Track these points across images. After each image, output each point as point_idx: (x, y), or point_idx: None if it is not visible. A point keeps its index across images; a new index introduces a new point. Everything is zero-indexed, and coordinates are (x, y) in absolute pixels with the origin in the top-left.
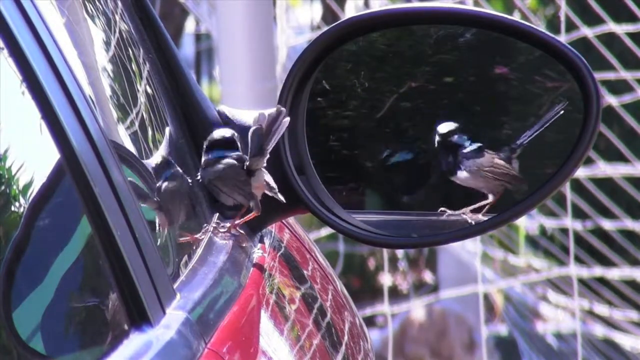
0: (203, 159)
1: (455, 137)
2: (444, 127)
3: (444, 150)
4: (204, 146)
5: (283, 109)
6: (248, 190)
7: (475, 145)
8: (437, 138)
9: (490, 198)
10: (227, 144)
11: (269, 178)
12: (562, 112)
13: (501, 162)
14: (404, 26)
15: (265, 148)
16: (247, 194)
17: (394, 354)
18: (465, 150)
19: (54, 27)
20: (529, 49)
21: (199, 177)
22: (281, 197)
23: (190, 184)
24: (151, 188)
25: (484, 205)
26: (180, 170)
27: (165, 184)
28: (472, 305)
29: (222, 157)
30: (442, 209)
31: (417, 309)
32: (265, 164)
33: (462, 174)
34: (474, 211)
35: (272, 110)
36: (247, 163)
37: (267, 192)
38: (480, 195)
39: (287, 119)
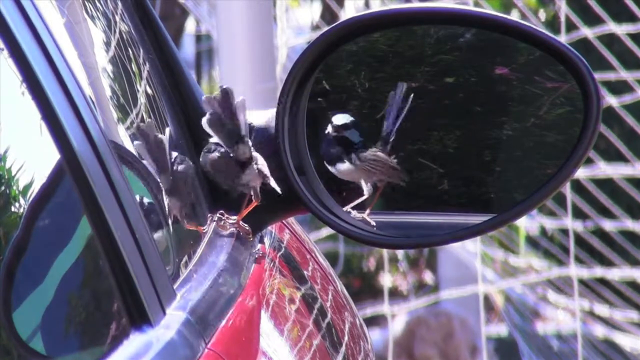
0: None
1: (348, 132)
2: (340, 119)
3: (333, 141)
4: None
5: (227, 87)
6: (242, 182)
7: (360, 140)
8: (330, 129)
9: (366, 193)
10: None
11: (263, 167)
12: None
13: (382, 155)
14: (404, 26)
15: (241, 135)
16: (242, 186)
17: (400, 355)
18: (354, 146)
19: (54, 27)
20: (529, 50)
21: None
22: (276, 187)
23: (194, 177)
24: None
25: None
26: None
27: (176, 165)
28: (472, 306)
29: (215, 148)
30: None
31: (420, 310)
32: (250, 153)
33: (343, 166)
34: (355, 208)
35: (215, 93)
36: (232, 155)
37: (263, 181)
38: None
39: (241, 97)
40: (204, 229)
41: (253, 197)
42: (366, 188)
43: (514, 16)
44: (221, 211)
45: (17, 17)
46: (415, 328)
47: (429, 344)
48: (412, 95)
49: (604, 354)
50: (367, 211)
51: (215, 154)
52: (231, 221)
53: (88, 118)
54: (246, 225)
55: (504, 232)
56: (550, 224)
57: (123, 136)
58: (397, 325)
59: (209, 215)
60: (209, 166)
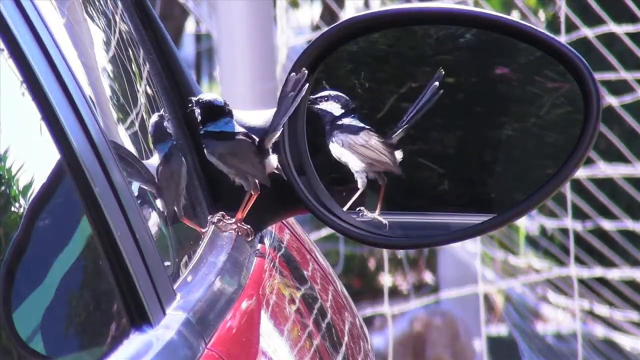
0: (205, 129)
1: (326, 102)
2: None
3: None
4: (199, 109)
5: (305, 71)
6: (260, 171)
7: (352, 119)
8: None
9: (360, 186)
10: (218, 114)
11: (275, 160)
12: (438, 89)
13: (376, 143)
14: (405, 26)
15: (279, 122)
16: (257, 176)
17: (405, 356)
18: (339, 122)
19: (54, 27)
20: (530, 50)
21: (204, 149)
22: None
23: (190, 182)
24: (150, 176)
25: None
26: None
27: (165, 164)
28: (472, 306)
29: (232, 132)
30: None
31: (419, 310)
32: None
33: (331, 145)
34: (354, 206)
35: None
36: (259, 140)
37: (275, 172)
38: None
39: (307, 85)
40: (204, 230)
41: (252, 190)
42: (360, 180)
43: (514, 16)
44: (221, 212)
45: (17, 17)
46: (423, 330)
47: (441, 346)
48: (439, 92)
49: (604, 354)
50: (377, 211)
51: (243, 138)
52: (230, 222)
53: (88, 118)
54: (246, 225)
55: (504, 232)
56: (550, 224)
57: (123, 136)
58: (399, 325)
59: (209, 216)
60: (229, 148)
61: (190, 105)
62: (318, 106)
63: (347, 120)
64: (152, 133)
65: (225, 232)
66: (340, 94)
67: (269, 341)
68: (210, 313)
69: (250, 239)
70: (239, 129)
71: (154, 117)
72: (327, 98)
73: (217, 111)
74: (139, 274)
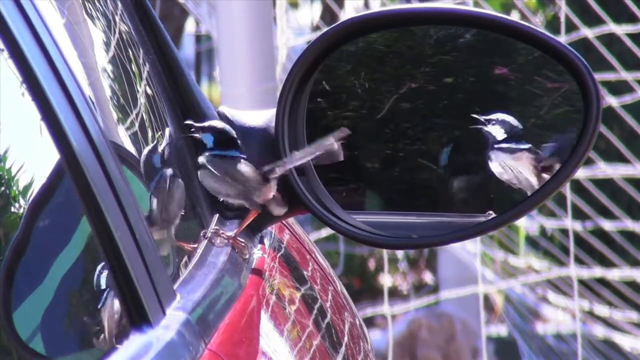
0: (206, 155)
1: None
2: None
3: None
4: (202, 135)
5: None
6: (257, 197)
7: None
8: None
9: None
10: (229, 143)
11: (274, 188)
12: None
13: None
14: (404, 27)
15: (292, 161)
16: (250, 199)
17: (402, 357)
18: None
19: (54, 28)
20: (529, 50)
21: (203, 169)
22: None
23: (189, 182)
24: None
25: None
26: (172, 171)
27: (162, 184)
28: (472, 306)
29: (239, 157)
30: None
31: (420, 310)
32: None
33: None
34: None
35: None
36: (268, 168)
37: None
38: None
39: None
40: (196, 246)
41: (254, 208)
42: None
43: (514, 17)
44: (216, 227)
45: (17, 17)
46: (417, 330)
47: (432, 347)
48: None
49: (603, 354)
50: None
51: (245, 166)
52: (226, 236)
53: (88, 118)
54: (242, 240)
55: (504, 232)
56: (550, 224)
57: (123, 136)
58: (398, 326)
59: (202, 231)
60: (232, 169)
61: (193, 129)
62: (485, 128)
63: (507, 144)
64: (143, 171)
65: (220, 247)
66: (507, 118)
67: (269, 341)
68: (210, 313)
69: (246, 256)
70: (236, 152)
71: (142, 156)
72: (495, 122)
73: (230, 142)
74: (138, 274)
